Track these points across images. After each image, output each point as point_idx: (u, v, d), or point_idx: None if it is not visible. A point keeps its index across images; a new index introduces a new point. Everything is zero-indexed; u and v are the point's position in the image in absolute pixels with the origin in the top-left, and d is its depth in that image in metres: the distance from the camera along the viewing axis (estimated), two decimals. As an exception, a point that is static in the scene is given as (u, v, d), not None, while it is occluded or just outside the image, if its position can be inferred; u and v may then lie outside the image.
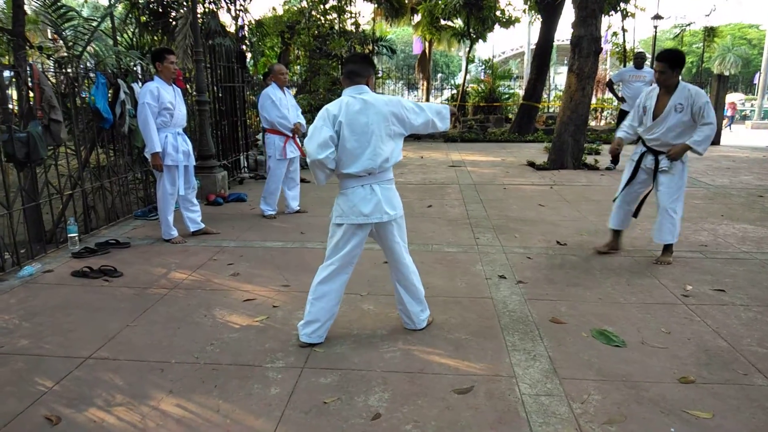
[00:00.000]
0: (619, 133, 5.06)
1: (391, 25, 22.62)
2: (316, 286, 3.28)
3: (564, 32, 18.12)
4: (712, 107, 4.47)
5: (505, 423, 2.55)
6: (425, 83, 24.88)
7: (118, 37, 8.68)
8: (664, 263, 4.80)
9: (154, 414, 2.63)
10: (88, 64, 6.58)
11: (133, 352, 3.25)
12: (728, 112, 27.97)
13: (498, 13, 18.26)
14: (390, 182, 3.33)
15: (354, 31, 15.93)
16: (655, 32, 22.03)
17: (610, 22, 18.32)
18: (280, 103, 6.37)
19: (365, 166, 3.16)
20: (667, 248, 4.88)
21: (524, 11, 18.79)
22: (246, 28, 12.71)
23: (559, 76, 34.03)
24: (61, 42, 6.96)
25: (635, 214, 5.01)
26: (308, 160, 3.15)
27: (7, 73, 5.22)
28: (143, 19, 10.26)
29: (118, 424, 2.55)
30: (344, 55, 14.75)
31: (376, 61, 17.05)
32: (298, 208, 6.88)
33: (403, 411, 2.65)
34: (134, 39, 9.42)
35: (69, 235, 5.22)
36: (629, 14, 17.74)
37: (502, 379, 2.94)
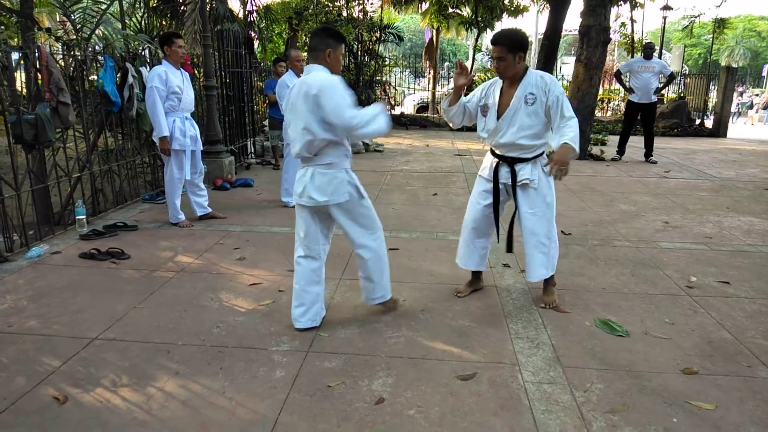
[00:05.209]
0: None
1: (398, 12, 22.45)
2: (295, 272, 3.38)
3: (571, 22, 18.02)
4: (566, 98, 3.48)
5: (507, 410, 2.57)
6: (432, 71, 24.78)
7: (126, 21, 8.66)
8: (550, 305, 3.74)
9: (160, 395, 2.66)
10: (97, 48, 6.58)
11: (139, 333, 3.28)
12: None
13: (506, 1, 18.13)
14: (327, 167, 3.14)
15: (362, 18, 15.86)
16: (664, 23, 21.85)
17: (618, 12, 18.12)
18: None
19: (296, 150, 3.15)
20: (549, 282, 3.85)
21: (533, 0, 18.66)
22: (254, 13, 12.68)
23: (565, 66, 33.82)
24: (69, 25, 6.95)
25: (509, 249, 3.99)
26: None
27: (15, 55, 5.22)
28: (152, 3, 10.23)
29: (123, 405, 2.58)
30: (352, 43, 14.69)
31: (382, 48, 16.95)
32: None
33: (407, 396, 2.67)
34: (143, 23, 9.41)
35: (77, 218, 5.25)
36: (638, 4, 17.61)
37: (505, 366, 2.96)
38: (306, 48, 15.33)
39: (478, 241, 3.82)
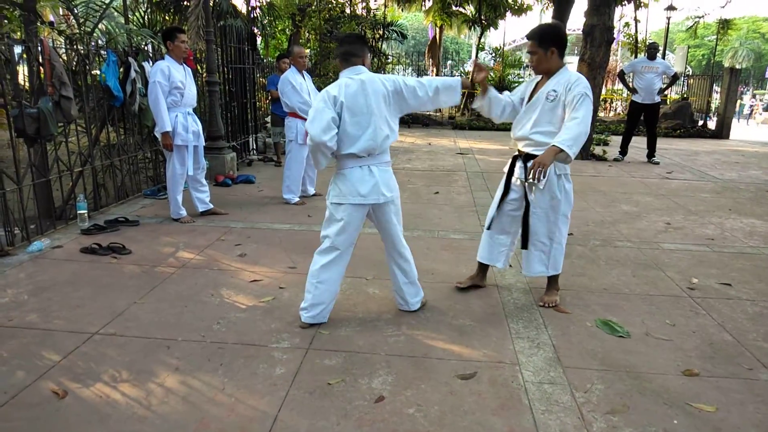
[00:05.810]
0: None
1: (402, 10, 22.46)
2: (319, 271, 3.27)
3: (575, 22, 18.08)
4: (591, 103, 3.30)
5: (507, 409, 2.57)
6: (435, 69, 24.76)
7: (129, 16, 8.65)
8: (550, 304, 3.70)
9: (160, 391, 2.66)
10: (99, 42, 6.57)
11: (139, 328, 3.28)
12: None
13: (510, 0, 18.12)
14: (387, 164, 3.33)
15: (365, 15, 15.85)
16: (668, 24, 21.82)
17: (622, 12, 18.09)
18: (300, 88, 6.26)
19: (366, 146, 3.14)
20: (551, 282, 3.81)
21: (537, -1, 18.65)
22: (257, 9, 12.66)
23: (569, 66, 33.78)
24: (72, 19, 6.94)
25: (524, 245, 3.71)
26: (309, 143, 3.11)
27: (18, 49, 5.21)
28: (155, -2, 10.23)
29: (123, 400, 2.57)
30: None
31: (386, 46, 16.96)
32: (314, 191, 6.87)
33: (407, 394, 2.67)
34: (146, 18, 9.39)
35: (78, 212, 5.24)
36: (642, 4, 17.58)
37: (506, 366, 2.95)
38: (308, 45, 15.34)
39: (499, 237, 3.83)
